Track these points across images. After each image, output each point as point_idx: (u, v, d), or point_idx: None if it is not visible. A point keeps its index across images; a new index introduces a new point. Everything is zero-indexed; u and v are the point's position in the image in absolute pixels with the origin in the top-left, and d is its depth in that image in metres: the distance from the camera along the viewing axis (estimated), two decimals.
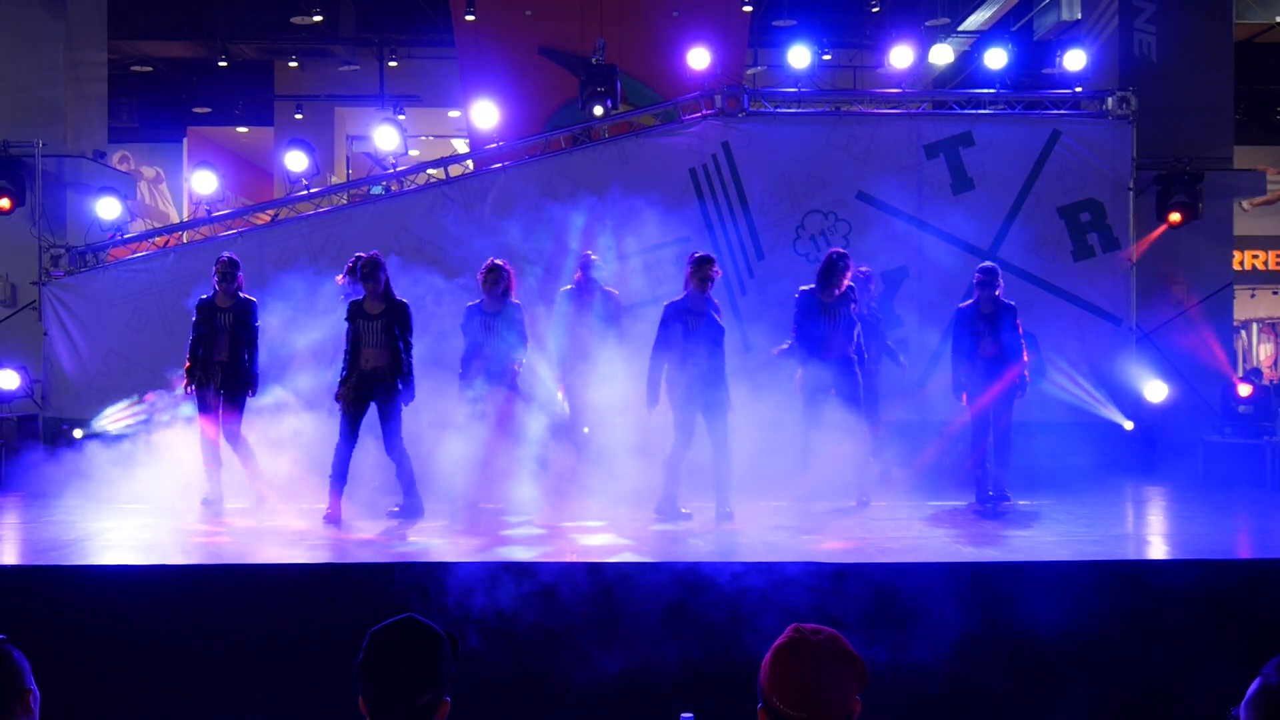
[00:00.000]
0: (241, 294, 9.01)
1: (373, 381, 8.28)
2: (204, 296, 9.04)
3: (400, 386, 8.33)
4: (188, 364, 8.94)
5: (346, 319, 8.43)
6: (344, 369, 8.38)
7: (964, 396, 9.02)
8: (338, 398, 8.37)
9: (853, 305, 8.74)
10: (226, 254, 9.15)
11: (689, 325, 8.26)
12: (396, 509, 8.40)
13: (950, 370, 9.17)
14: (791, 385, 8.80)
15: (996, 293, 8.95)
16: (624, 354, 9.25)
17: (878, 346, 9.53)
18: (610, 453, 8.86)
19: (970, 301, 9.13)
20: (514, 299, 9.00)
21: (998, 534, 7.98)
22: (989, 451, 9.10)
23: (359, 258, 8.48)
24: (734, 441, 8.33)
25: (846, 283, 8.72)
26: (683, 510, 8.32)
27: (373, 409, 8.39)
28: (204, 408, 8.86)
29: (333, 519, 8.16)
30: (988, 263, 9.47)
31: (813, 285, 8.77)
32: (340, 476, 8.30)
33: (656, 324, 8.52)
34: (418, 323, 8.72)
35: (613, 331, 9.24)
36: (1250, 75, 16.76)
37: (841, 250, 8.92)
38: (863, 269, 9.63)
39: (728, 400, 8.30)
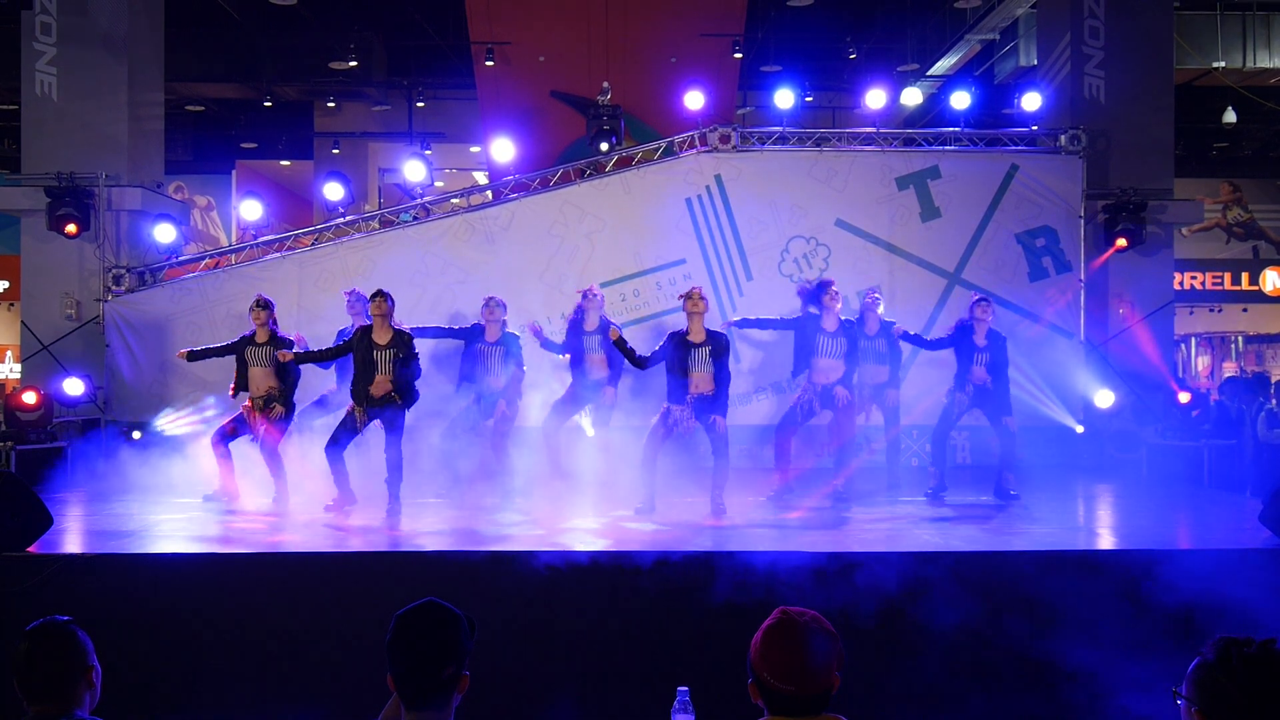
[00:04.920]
0: (277, 331, 8.92)
1: (382, 405, 8.20)
2: (245, 335, 8.96)
3: (405, 407, 8.27)
4: (233, 389, 8.87)
5: (351, 341, 8.34)
6: (352, 387, 8.29)
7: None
8: (350, 412, 8.28)
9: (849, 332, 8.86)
10: (262, 295, 9.03)
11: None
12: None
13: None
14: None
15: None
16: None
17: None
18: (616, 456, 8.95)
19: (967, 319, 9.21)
20: (509, 330, 9.05)
21: (978, 527, 7.96)
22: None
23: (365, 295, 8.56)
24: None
25: (836, 309, 8.80)
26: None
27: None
28: (237, 419, 8.79)
29: (340, 506, 8.22)
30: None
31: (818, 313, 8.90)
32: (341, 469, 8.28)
33: (656, 336, 8.55)
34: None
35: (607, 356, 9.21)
36: (1189, 115, 16.79)
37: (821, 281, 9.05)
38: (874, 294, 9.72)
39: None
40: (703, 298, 8.32)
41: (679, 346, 8.22)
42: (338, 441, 8.25)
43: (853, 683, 2.78)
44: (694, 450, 8.90)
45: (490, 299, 9.04)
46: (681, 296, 8.49)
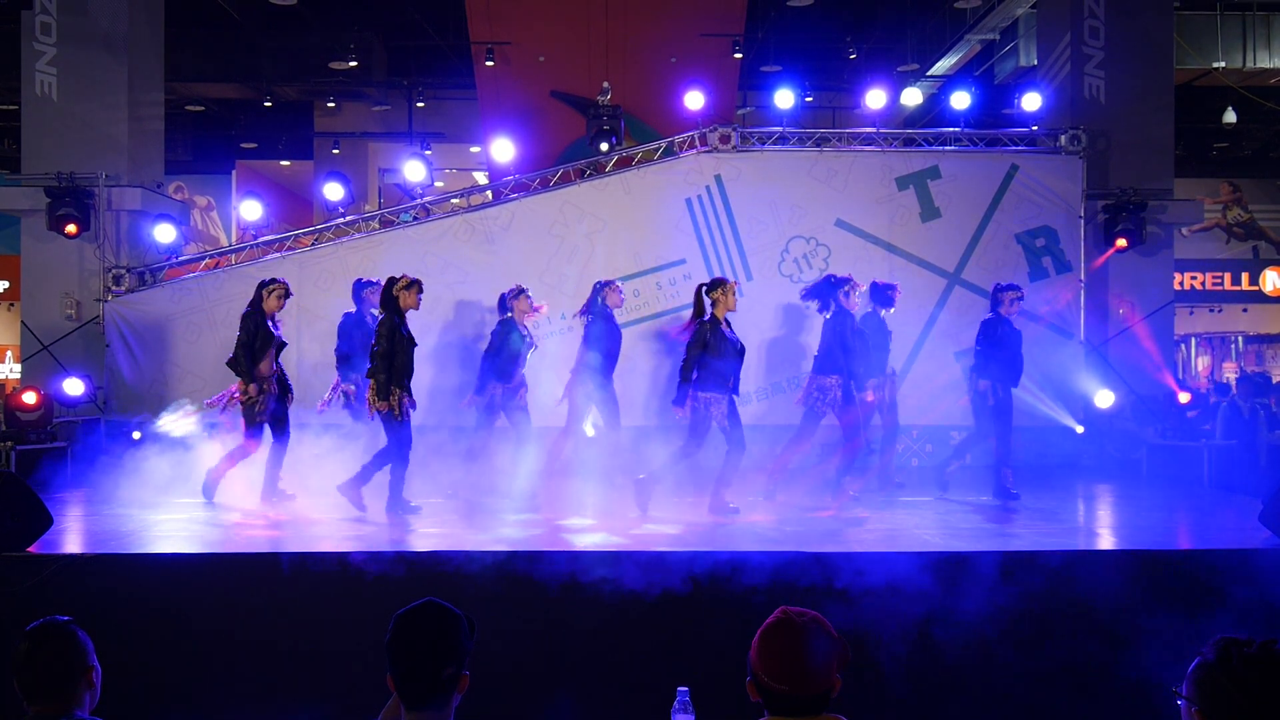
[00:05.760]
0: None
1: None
2: (258, 316, 8.80)
3: None
4: (250, 383, 8.59)
5: (392, 331, 8.11)
6: (405, 379, 8.11)
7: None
8: (399, 406, 8.07)
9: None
10: (283, 278, 9.03)
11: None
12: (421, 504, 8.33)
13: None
14: None
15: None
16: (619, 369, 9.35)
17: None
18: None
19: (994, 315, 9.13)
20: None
21: (986, 527, 7.96)
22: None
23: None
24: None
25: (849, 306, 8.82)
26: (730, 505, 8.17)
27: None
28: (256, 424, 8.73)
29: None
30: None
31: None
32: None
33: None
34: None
35: (609, 350, 9.19)
36: (1189, 115, 16.79)
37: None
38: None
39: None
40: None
41: (720, 336, 8.01)
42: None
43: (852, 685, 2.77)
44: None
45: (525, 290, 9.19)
46: (714, 284, 8.18)
